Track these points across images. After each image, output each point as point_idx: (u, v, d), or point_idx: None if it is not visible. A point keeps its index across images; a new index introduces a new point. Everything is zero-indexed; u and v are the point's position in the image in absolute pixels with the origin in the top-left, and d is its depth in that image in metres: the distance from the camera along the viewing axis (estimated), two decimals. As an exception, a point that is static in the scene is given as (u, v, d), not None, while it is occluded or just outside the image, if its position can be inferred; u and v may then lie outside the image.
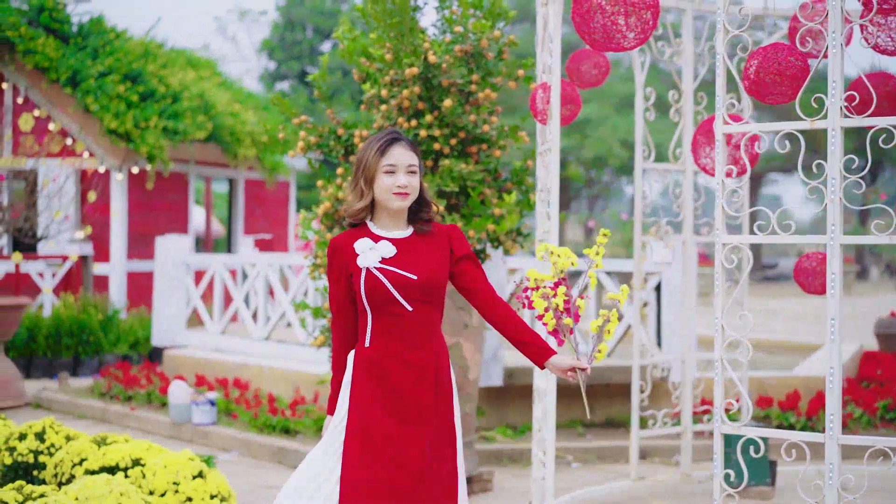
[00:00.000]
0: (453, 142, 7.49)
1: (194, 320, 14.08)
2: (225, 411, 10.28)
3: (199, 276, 14.57)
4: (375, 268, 4.15)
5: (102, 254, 17.00)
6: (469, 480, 7.93)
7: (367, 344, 4.22)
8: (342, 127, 7.81)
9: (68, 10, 17.72)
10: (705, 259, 29.05)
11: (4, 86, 17.18)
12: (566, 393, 10.01)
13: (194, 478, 5.92)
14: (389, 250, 4.20)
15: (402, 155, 4.21)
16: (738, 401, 8.13)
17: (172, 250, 13.12)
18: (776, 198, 66.15)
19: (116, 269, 16.89)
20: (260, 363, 11.20)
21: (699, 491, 7.83)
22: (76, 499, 5.51)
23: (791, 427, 9.35)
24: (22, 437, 6.73)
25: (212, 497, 5.90)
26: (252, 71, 51.74)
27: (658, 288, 10.28)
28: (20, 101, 17.14)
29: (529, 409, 9.82)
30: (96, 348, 14.51)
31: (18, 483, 5.26)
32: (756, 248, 45.01)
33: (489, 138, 7.63)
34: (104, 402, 11.34)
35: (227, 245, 20.32)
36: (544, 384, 6.19)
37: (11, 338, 13.81)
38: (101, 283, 16.93)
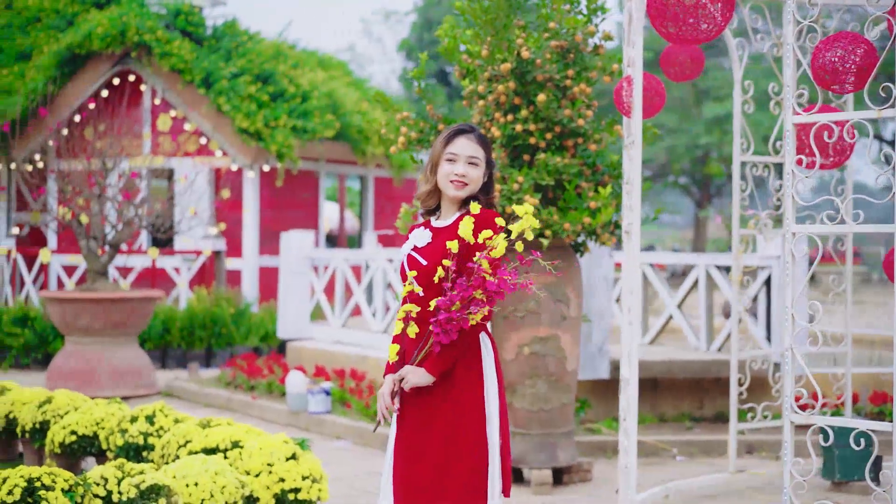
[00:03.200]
0: (549, 136, 7.61)
1: (320, 314, 14.45)
2: (340, 401, 10.56)
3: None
4: (407, 255, 4.42)
5: (235, 249, 17.56)
6: (568, 470, 8.03)
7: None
8: (442, 122, 7.99)
9: (204, 13, 18.36)
10: (842, 256, 28.31)
11: (143, 88, 17.87)
12: (676, 387, 10.02)
13: (287, 459, 6.17)
14: (424, 238, 4.41)
15: (465, 146, 4.38)
16: (825, 398, 8.05)
17: (296, 246, 13.50)
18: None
19: (248, 264, 17.42)
20: (377, 355, 11.46)
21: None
22: (174, 477, 5.81)
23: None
24: (133, 419, 7.09)
25: (303, 478, 6.13)
26: (397, 71, 52.38)
27: (768, 282, 10.20)
28: (157, 102, 17.82)
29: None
30: (228, 340, 15.02)
31: (120, 461, 5.56)
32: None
33: (585, 132, 7.72)
34: (229, 392, 11.75)
35: (359, 241, 20.73)
36: (627, 374, 6.27)
37: (146, 329, 14.40)
38: (234, 277, 17.49)
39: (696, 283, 10.67)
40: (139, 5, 17.82)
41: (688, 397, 10.09)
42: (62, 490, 5.16)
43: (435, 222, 4.47)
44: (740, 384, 7.84)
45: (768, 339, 10.14)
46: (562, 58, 7.67)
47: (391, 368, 4.45)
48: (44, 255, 15.43)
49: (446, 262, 4.21)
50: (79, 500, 5.19)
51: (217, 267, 17.27)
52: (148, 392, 12.39)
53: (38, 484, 5.11)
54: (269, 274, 17.31)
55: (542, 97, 7.44)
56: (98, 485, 5.35)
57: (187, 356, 14.84)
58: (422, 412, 4.37)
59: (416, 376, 4.30)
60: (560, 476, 8.01)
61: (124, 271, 17.11)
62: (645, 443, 9.11)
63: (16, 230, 18.60)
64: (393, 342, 4.45)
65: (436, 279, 4.22)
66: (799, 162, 5.04)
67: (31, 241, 19.42)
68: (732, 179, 7.75)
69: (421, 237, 4.42)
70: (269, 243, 17.43)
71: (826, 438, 7.62)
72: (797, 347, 8.19)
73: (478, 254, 4.17)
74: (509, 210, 7.44)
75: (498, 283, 4.12)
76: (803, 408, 8.90)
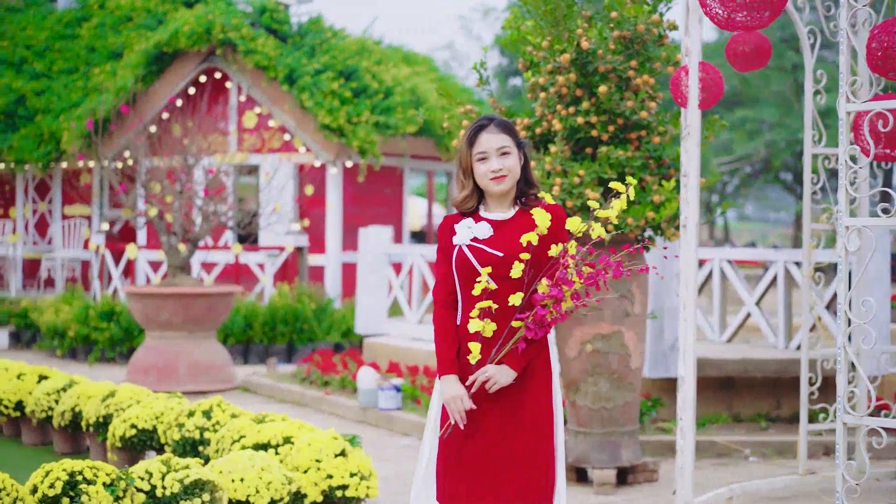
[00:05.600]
0: (611, 128, 7.44)
1: (398, 310, 14.40)
2: (411, 397, 10.49)
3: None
4: (466, 245, 4.26)
5: (318, 245, 17.62)
6: (632, 470, 7.86)
7: (458, 322, 4.32)
8: (505, 115, 7.87)
9: (291, 10, 18.47)
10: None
11: (229, 85, 18.03)
12: (752, 386, 9.77)
13: (336, 456, 6.11)
14: (485, 230, 4.29)
15: (490, 140, 4.29)
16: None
17: (374, 242, 13.46)
18: None
19: (331, 260, 17.47)
20: (451, 351, 11.35)
21: (875, 488, 7.53)
22: (220, 472, 5.79)
23: None
24: (191, 414, 7.09)
25: (351, 475, 6.08)
26: (493, 69, 52.25)
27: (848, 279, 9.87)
28: (243, 99, 17.96)
29: (709, 401, 9.66)
30: (310, 336, 15.02)
31: (167, 456, 5.55)
32: None
33: (648, 125, 7.54)
34: (303, 387, 11.76)
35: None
36: (684, 372, 6.09)
37: (228, 325, 14.50)
38: (317, 273, 17.55)
39: (774, 280, 10.39)
40: (226, 3, 18.00)
41: (765, 397, 9.83)
42: (103, 484, 5.16)
43: (488, 214, 4.35)
44: (811, 383, 7.59)
45: (849, 337, 9.81)
46: (625, 48, 7.49)
47: (470, 368, 4.24)
48: (130, 251, 15.63)
49: (524, 256, 4.10)
50: (120, 494, 5.18)
51: (299, 263, 17.35)
52: (226, 387, 12.45)
53: (79, 478, 5.13)
54: (352, 270, 17.35)
55: (603, 88, 7.27)
56: (142, 479, 5.35)
57: (269, 351, 14.90)
58: (494, 411, 4.26)
59: (504, 375, 4.18)
60: (624, 476, 7.84)
61: (208, 267, 17.27)
62: (717, 443, 8.90)
63: (105, 226, 18.91)
64: (474, 340, 4.21)
65: (514, 274, 4.09)
66: (865, 152, 4.83)
67: (121, 238, 19.75)
68: (803, 172, 7.50)
69: (479, 230, 4.30)
70: (352, 239, 17.46)
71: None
72: (877, 347, 7.93)
73: (558, 246, 4.12)
74: (570, 204, 7.30)
75: (590, 276, 4.05)
76: (884, 407, 8.62)
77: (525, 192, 4.38)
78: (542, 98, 7.63)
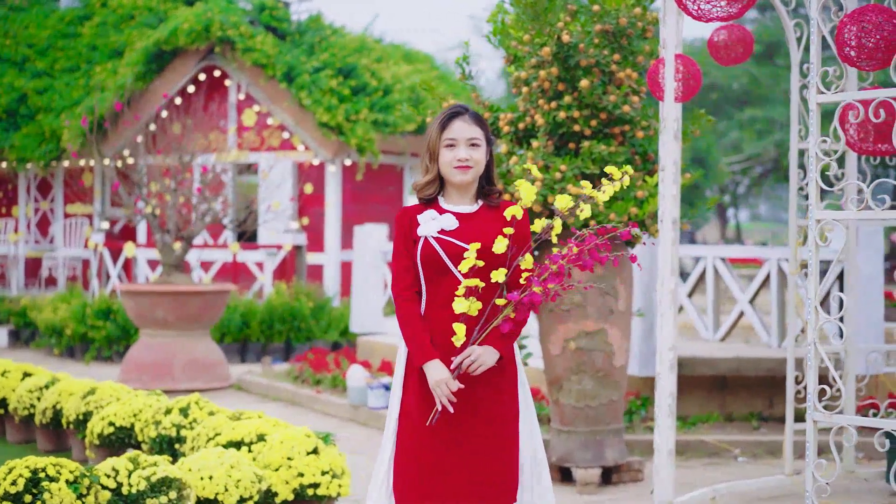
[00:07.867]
0: (594, 123, 7.35)
1: (393, 308, 14.33)
2: (401, 396, 10.40)
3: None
4: (433, 237, 4.17)
5: (317, 244, 17.55)
6: (617, 469, 7.77)
7: (422, 314, 4.22)
8: (488, 111, 7.79)
9: (291, 8, 18.42)
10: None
11: (228, 83, 17.97)
12: (745, 385, 9.67)
13: (308, 454, 6.04)
14: (451, 223, 4.20)
15: (462, 129, 4.21)
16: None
17: (369, 240, 13.40)
18: None
19: (331, 258, 17.40)
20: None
21: (863, 489, 7.43)
22: (189, 469, 5.72)
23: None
24: (168, 411, 7.02)
25: (323, 473, 6.00)
26: (503, 67, 52.27)
27: (842, 277, 9.77)
28: (242, 97, 17.91)
29: (699, 400, 9.56)
30: (308, 335, 14.94)
31: (135, 453, 5.49)
32: None
33: (632, 119, 7.44)
34: (295, 386, 11.69)
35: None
36: (660, 368, 6.00)
37: (225, 323, 14.43)
38: (316, 271, 17.48)
39: (769, 278, 10.29)
40: (226, 1, 17.94)
41: (758, 396, 9.71)
42: (66, 481, 5.09)
43: (451, 207, 4.26)
44: (798, 382, 7.48)
45: (841, 335, 9.69)
46: (608, 42, 7.39)
47: (455, 351, 4.10)
48: (128, 250, 15.58)
49: (499, 249, 4.03)
50: (84, 491, 5.11)
51: (298, 261, 17.28)
52: (221, 385, 12.39)
53: (42, 475, 5.06)
54: (351, 268, 17.30)
55: (584, 83, 7.18)
56: (108, 476, 5.28)
57: (266, 350, 14.82)
58: (462, 400, 4.13)
59: (490, 356, 4.08)
60: (609, 475, 7.74)
61: (206, 265, 17.23)
62: (707, 442, 8.81)
63: (105, 225, 18.87)
64: (458, 321, 4.04)
65: (497, 249, 4.02)
66: (850, 145, 4.73)
67: (122, 237, 19.71)
68: (790, 168, 7.40)
69: (445, 221, 4.21)
70: (351, 237, 17.40)
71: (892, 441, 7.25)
72: (863, 345, 7.83)
73: (542, 220, 4.06)
74: (551, 199, 7.20)
75: (577, 255, 3.98)
76: (872, 406, 8.52)
77: (486, 189, 4.31)
78: (524, 92, 7.55)
